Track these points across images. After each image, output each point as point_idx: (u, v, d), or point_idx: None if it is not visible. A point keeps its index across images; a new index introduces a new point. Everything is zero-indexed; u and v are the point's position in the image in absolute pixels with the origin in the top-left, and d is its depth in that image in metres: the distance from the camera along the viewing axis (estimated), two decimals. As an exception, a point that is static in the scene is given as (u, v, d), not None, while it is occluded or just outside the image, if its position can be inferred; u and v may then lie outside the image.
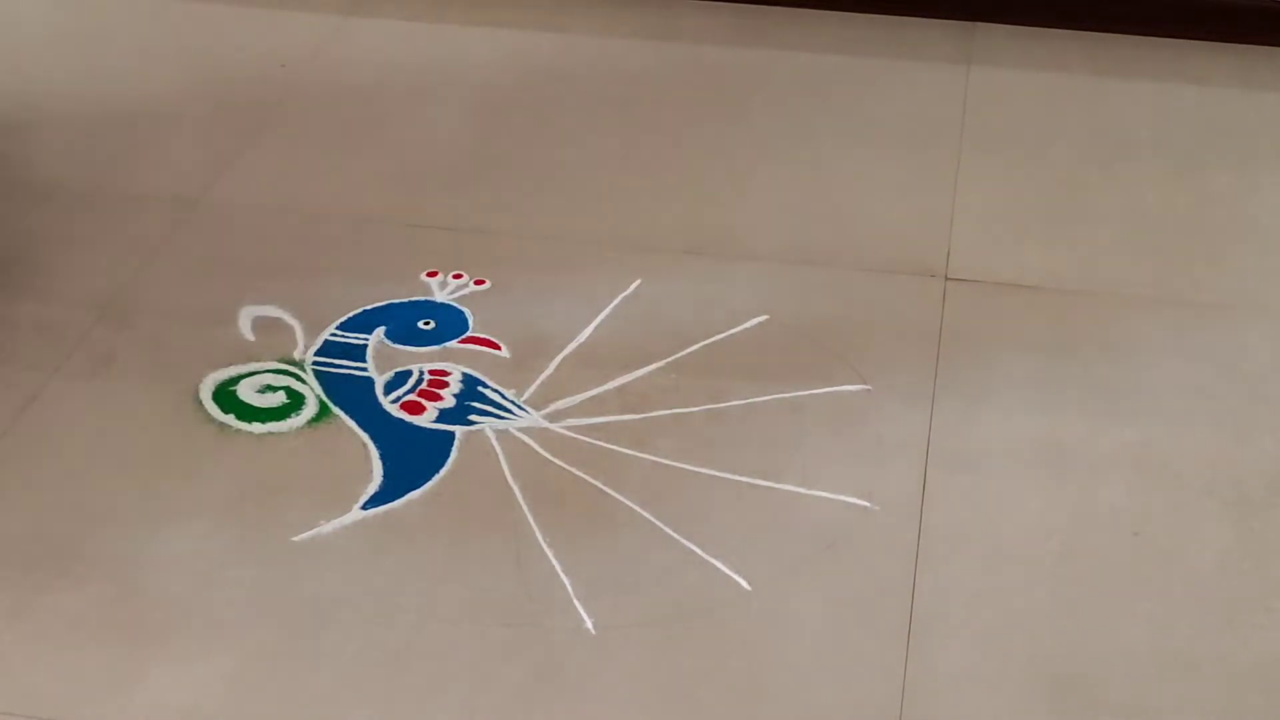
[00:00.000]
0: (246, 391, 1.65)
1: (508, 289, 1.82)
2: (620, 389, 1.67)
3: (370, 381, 1.67)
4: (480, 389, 1.67)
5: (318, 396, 1.65)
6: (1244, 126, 2.18)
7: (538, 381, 1.68)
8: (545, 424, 1.63)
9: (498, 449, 1.59)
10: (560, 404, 1.65)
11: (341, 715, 1.33)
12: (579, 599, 1.43)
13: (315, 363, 1.70)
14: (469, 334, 1.74)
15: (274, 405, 1.64)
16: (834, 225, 1.95)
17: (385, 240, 1.91)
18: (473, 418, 1.63)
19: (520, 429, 1.62)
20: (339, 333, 1.74)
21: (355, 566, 1.46)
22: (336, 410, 1.64)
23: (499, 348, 1.73)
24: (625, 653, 1.38)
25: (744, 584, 1.45)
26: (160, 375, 1.67)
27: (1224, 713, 1.35)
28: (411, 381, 1.67)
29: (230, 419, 1.62)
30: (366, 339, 1.73)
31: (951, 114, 2.18)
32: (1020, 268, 1.87)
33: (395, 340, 1.73)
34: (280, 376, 1.68)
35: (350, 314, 1.77)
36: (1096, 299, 1.83)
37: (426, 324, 1.76)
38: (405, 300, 1.79)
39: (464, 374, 1.69)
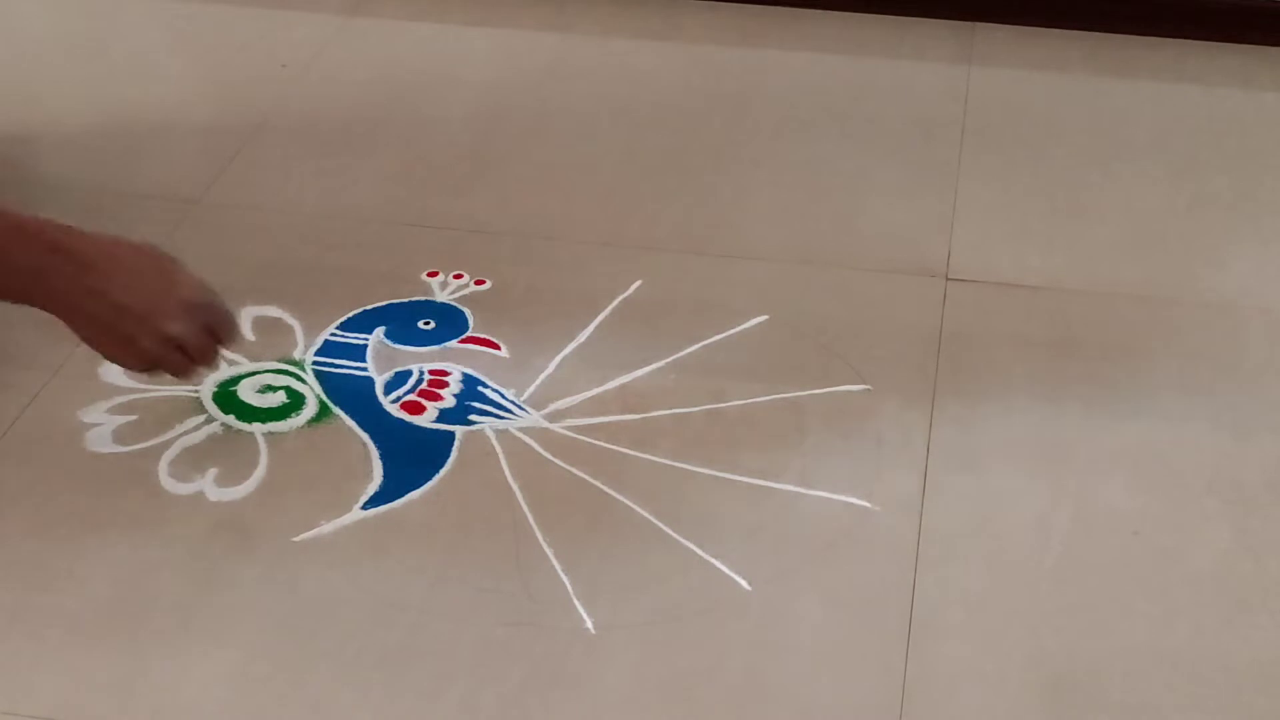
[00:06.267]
0: (246, 392, 1.65)
1: (508, 289, 1.82)
2: (620, 389, 1.67)
3: (370, 381, 1.67)
4: (480, 389, 1.67)
5: (318, 396, 1.65)
6: (1244, 126, 2.18)
7: (538, 381, 1.68)
8: (545, 424, 1.63)
9: (498, 449, 1.59)
10: (560, 404, 1.65)
11: (341, 715, 1.33)
12: (579, 599, 1.43)
13: (315, 363, 1.70)
14: (469, 334, 1.74)
15: (274, 405, 1.64)
16: (834, 225, 1.95)
17: (385, 240, 1.91)
18: (473, 418, 1.63)
19: (520, 429, 1.62)
20: (339, 333, 1.74)
21: (355, 566, 1.46)
22: (337, 410, 1.64)
23: (499, 348, 1.73)
24: (625, 653, 1.38)
25: (744, 584, 1.45)
26: (159, 376, 1.66)
27: (1224, 713, 1.35)
28: (411, 381, 1.67)
29: (230, 419, 1.62)
30: (366, 339, 1.73)
31: (952, 114, 2.18)
32: (1020, 268, 1.87)
33: (395, 340, 1.73)
34: (280, 376, 1.68)
35: (350, 314, 1.77)
36: (1096, 299, 1.83)
37: (426, 324, 1.76)
38: (405, 300, 1.79)
39: (464, 374, 1.69)
